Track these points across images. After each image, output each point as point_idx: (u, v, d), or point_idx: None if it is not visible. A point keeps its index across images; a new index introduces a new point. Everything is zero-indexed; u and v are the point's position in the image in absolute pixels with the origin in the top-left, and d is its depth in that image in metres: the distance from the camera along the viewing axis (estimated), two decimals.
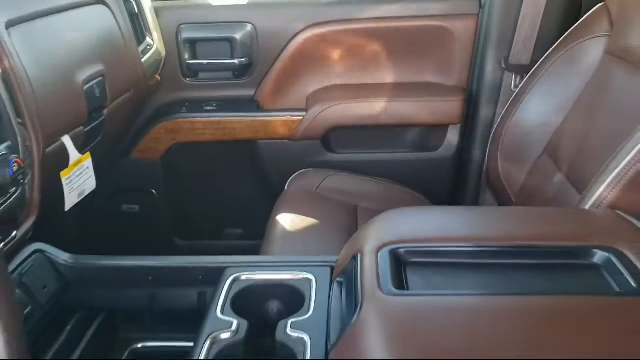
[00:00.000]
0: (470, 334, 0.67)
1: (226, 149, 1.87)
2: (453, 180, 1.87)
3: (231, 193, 1.96)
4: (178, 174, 1.91)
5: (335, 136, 1.86)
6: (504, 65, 1.70)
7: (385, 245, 0.84)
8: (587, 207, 1.03)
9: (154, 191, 1.89)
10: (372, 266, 0.80)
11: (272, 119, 1.82)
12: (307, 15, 1.78)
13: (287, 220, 1.42)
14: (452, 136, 1.82)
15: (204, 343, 0.82)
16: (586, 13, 1.46)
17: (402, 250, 0.84)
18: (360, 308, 0.73)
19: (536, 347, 0.64)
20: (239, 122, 1.82)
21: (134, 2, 1.64)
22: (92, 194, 1.32)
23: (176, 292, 1.03)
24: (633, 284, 0.75)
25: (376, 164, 1.83)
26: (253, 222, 1.61)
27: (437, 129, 1.84)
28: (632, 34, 1.27)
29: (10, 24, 1.07)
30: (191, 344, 0.84)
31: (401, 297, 0.74)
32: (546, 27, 1.64)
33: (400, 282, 0.78)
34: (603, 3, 1.43)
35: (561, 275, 0.81)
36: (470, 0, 1.76)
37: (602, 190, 1.01)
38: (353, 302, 0.77)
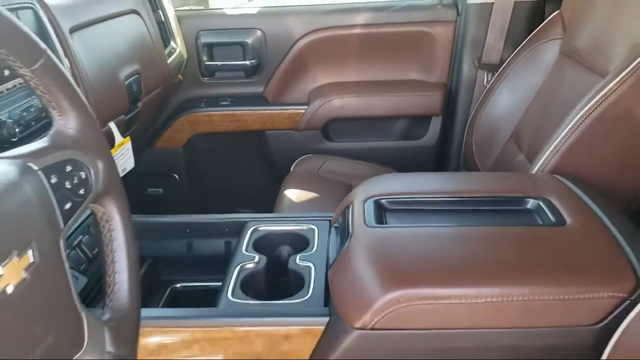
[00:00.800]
0: (432, 249, 0.92)
1: (239, 138, 2.09)
2: (436, 164, 2.10)
3: (243, 176, 2.18)
4: (197, 160, 2.14)
5: (334, 127, 2.08)
6: (477, 64, 1.91)
7: (370, 197, 1.10)
8: (532, 172, 1.28)
9: (176, 176, 2.13)
10: (360, 211, 1.05)
11: (279, 112, 2.05)
12: (308, 22, 2.01)
13: (293, 195, 1.66)
14: (435, 126, 2.05)
15: (234, 270, 1.07)
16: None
17: (383, 200, 1.09)
18: (350, 238, 0.98)
19: (481, 255, 0.90)
20: (249, 115, 2.05)
21: (160, 12, 1.88)
22: (122, 178, 1.56)
23: (207, 242, 1.27)
24: (552, 219, 1.00)
25: (369, 151, 2.05)
26: (263, 202, 1.82)
27: (422, 120, 2.06)
28: (579, 37, 1.49)
29: (72, 30, 1.31)
30: (219, 283, 1.07)
31: (381, 229, 0.99)
32: (513, 32, 1.85)
33: (381, 220, 1.03)
34: (559, 10, 1.66)
35: (504, 215, 1.06)
36: (449, 9, 1.99)
37: (544, 159, 1.25)
38: (345, 235, 1.02)
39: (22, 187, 0.55)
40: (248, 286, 1.03)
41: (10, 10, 1.15)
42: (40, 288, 0.53)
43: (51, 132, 0.63)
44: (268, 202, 1.72)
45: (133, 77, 1.56)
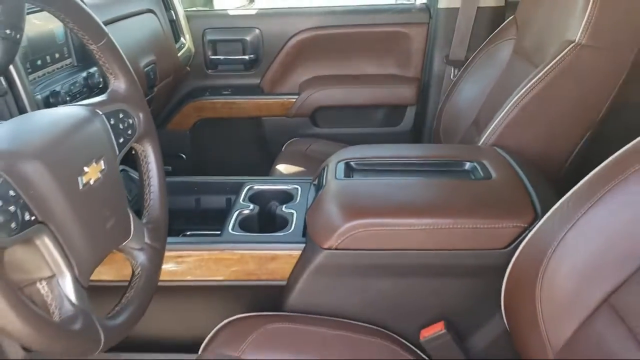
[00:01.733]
0: (383, 193, 1.20)
1: (238, 123, 2.36)
2: None
3: (241, 155, 2.44)
4: (202, 142, 2.40)
5: (320, 114, 2.34)
6: (445, 61, 2.20)
7: (342, 160, 1.37)
8: (478, 144, 1.54)
9: (183, 155, 2.40)
10: (332, 170, 1.33)
11: (273, 101, 2.32)
12: (300, 22, 2.27)
13: (283, 168, 1.94)
14: (410, 114, 2.32)
15: (233, 214, 1.34)
16: None
17: (352, 162, 1.37)
18: (323, 187, 1.26)
19: (419, 197, 1.18)
20: (247, 103, 2.32)
21: (172, 12, 2.15)
22: None
23: (211, 198, 1.55)
24: (482, 175, 1.28)
25: (351, 136, 2.26)
26: (258, 175, 2.08)
27: (398, 109, 2.33)
28: (527, 37, 1.72)
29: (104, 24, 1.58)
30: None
31: (347, 180, 1.27)
32: (476, 33, 2.12)
33: (348, 175, 1.31)
34: (514, 15, 1.91)
35: (445, 174, 1.34)
36: (422, 12, 2.26)
37: (487, 134, 1.52)
38: (320, 187, 1.30)
39: (94, 122, 0.83)
40: (244, 225, 1.30)
41: None
42: (108, 187, 0.81)
43: (108, 90, 0.91)
44: (262, 175, 1.98)
45: (150, 66, 1.83)
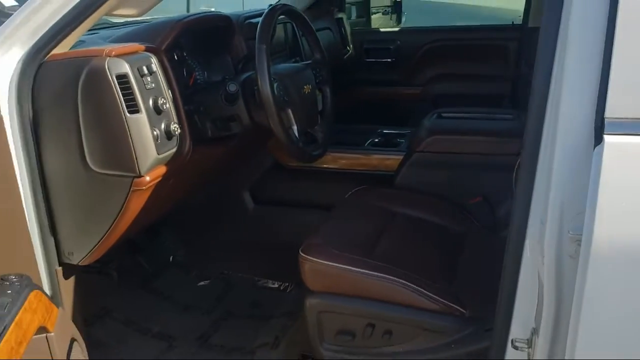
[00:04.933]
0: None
1: (381, 104, 3.33)
2: None
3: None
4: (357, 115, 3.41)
5: (440, 100, 3.23)
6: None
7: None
8: None
9: None
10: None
11: (407, 90, 3.26)
12: (427, 36, 3.22)
13: None
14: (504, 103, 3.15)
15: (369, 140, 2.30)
16: None
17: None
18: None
19: None
20: (389, 90, 3.29)
21: (342, 29, 3.18)
22: None
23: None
24: None
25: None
26: None
27: (494, 98, 3.16)
28: None
29: None
30: None
31: None
32: None
33: None
34: None
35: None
36: (515, 30, 3.07)
37: None
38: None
39: (307, 69, 1.84)
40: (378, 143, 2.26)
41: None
42: (310, 98, 1.82)
43: (313, 59, 1.93)
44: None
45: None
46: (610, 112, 0.99)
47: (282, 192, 2.38)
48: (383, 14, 3.79)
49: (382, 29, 3.36)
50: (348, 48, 3.23)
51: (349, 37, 3.23)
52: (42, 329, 1.13)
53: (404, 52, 3.25)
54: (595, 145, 1.00)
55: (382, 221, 1.77)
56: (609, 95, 0.98)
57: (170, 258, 2.33)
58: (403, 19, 6.04)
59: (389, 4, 3.66)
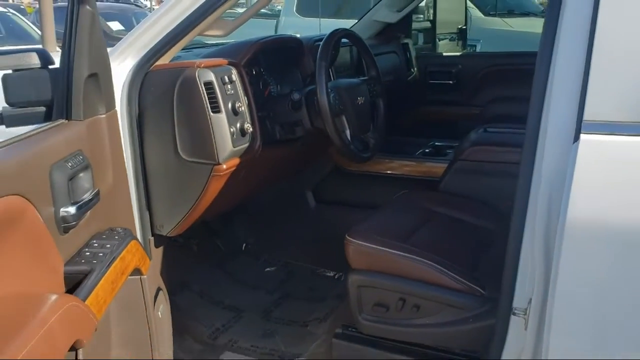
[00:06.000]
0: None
1: (445, 122, 3.57)
2: None
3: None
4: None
5: (497, 119, 3.44)
6: None
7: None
8: None
9: None
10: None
11: (467, 111, 3.49)
12: (485, 61, 3.44)
13: None
14: None
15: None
16: None
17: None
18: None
19: None
20: (452, 109, 3.52)
21: (407, 53, 3.46)
22: None
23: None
24: None
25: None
26: None
27: None
28: None
29: None
30: None
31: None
32: None
33: None
34: None
35: None
36: None
37: None
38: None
39: (363, 84, 2.13)
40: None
41: None
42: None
43: (368, 75, 2.22)
44: None
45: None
46: (587, 115, 1.21)
47: (340, 193, 2.68)
48: (450, 40, 4.03)
49: (444, 54, 3.60)
50: (412, 70, 3.49)
51: (414, 60, 3.50)
52: (137, 271, 1.46)
53: (464, 75, 3.48)
54: (574, 142, 1.23)
55: (422, 217, 2.02)
56: (587, 102, 1.21)
57: (243, 246, 2.67)
58: (478, 47, 6.25)
59: (455, 32, 3.90)
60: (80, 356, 1.18)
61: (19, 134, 1.26)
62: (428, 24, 3.80)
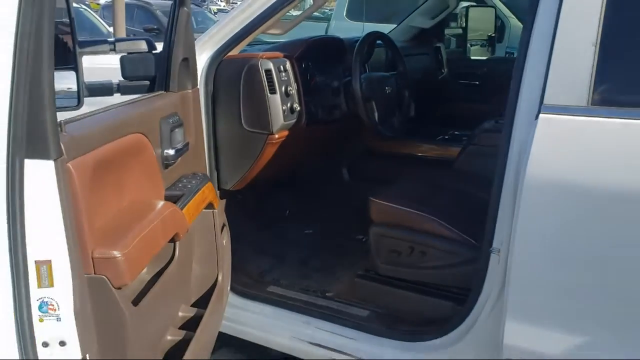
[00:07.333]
0: None
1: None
2: None
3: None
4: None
5: None
6: None
7: None
8: None
9: None
10: None
11: None
12: None
13: None
14: None
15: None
16: None
17: None
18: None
19: None
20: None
21: (440, 55, 3.88)
22: None
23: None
24: None
25: None
26: None
27: None
28: None
29: None
30: None
31: None
32: None
33: None
34: None
35: None
36: None
37: None
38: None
39: (392, 78, 2.59)
40: None
41: None
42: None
43: (397, 71, 2.68)
44: None
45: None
46: (546, 100, 1.64)
47: (370, 171, 3.14)
48: (481, 46, 4.44)
49: (472, 57, 4.02)
50: (443, 70, 3.93)
51: (445, 62, 3.93)
52: (210, 206, 1.96)
53: (489, 76, 3.89)
54: (535, 119, 1.66)
55: (434, 187, 2.47)
56: (546, 90, 1.64)
57: (287, 212, 3.16)
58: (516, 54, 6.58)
59: (485, 38, 4.31)
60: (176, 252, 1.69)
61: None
62: (460, 31, 4.22)
